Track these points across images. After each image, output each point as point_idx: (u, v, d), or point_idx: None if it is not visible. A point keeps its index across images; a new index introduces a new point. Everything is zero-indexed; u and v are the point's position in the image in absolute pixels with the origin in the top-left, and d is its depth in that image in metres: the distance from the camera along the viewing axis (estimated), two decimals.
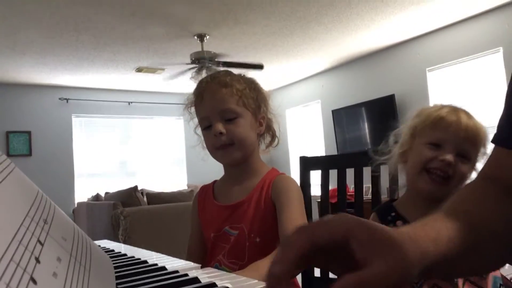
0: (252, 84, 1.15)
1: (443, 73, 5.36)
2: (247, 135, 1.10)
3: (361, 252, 0.38)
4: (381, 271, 0.36)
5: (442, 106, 1.07)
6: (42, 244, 0.23)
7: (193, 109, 1.17)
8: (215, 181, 1.25)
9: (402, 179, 1.12)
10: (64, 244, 0.26)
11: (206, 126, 1.12)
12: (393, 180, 1.14)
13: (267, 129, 1.18)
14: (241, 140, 1.09)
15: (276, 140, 1.20)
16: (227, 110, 1.08)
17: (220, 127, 1.07)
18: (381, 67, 6.13)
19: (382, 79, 6.09)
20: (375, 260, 0.37)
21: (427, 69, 5.53)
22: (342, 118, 6.66)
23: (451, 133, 1.00)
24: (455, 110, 1.04)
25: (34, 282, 0.20)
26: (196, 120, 1.18)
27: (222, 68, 5.16)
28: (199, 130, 1.19)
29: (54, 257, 0.24)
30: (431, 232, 0.46)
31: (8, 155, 6.34)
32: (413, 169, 1.04)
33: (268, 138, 1.19)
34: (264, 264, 0.85)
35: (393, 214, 1.04)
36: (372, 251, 0.38)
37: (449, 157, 0.98)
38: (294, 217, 1.03)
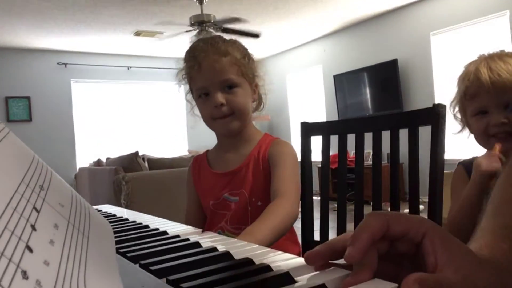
0: (247, 52, 1.14)
1: (447, 38, 5.26)
2: (245, 105, 1.10)
3: (434, 256, 0.38)
4: (451, 281, 0.36)
5: (467, 71, 1.05)
6: (38, 211, 0.23)
7: (182, 74, 1.14)
8: (207, 151, 1.24)
9: None
10: (62, 210, 0.26)
11: (203, 95, 1.09)
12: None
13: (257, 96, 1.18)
14: (240, 110, 1.08)
15: (262, 104, 1.20)
16: (227, 80, 1.07)
17: (220, 97, 1.06)
18: (384, 31, 6.01)
19: (385, 44, 5.99)
20: (448, 268, 0.37)
21: (431, 33, 5.41)
22: (343, 83, 6.59)
23: (483, 96, 0.99)
24: (476, 69, 1.01)
25: (30, 250, 0.19)
26: (187, 86, 1.16)
27: (220, 34, 5.06)
28: (190, 97, 1.17)
29: (51, 224, 0.23)
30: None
31: (8, 120, 6.33)
32: (478, 141, 1.06)
33: (254, 104, 1.17)
34: (257, 229, 0.86)
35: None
36: (446, 258, 0.38)
37: (497, 118, 0.98)
38: (286, 175, 1.04)
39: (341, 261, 0.45)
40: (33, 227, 0.21)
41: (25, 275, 0.17)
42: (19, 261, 0.18)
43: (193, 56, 1.09)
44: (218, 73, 1.06)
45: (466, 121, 1.09)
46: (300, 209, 1.22)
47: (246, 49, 1.15)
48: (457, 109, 1.11)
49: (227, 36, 1.17)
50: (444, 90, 5.13)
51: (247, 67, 1.10)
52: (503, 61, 1.00)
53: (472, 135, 1.12)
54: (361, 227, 0.40)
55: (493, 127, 0.99)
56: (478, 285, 0.38)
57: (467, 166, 1.11)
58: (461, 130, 1.14)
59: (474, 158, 1.11)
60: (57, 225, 0.24)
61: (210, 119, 1.11)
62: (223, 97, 1.06)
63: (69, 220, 0.26)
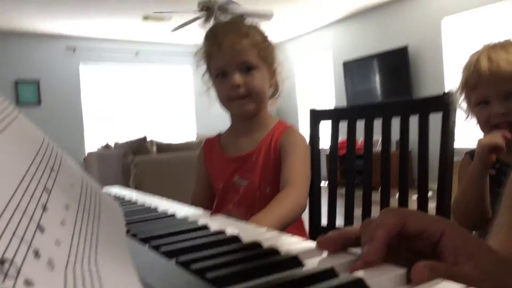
0: (266, 36, 1.14)
1: (459, 23, 5.16)
2: (262, 87, 1.09)
3: (453, 254, 0.38)
4: (467, 274, 0.36)
5: (469, 61, 1.04)
6: (49, 192, 0.23)
7: (201, 53, 1.14)
8: (219, 134, 1.24)
9: None
10: (72, 191, 0.26)
11: (221, 75, 1.09)
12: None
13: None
14: (257, 92, 1.08)
15: (278, 93, 1.19)
16: (246, 62, 1.06)
17: (238, 78, 1.06)
18: (395, 17, 5.92)
19: (396, 30, 5.90)
20: (467, 264, 0.37)
21: (442, 18, 5.32)
22: (353, 70, 6.53)
23: (484, 87, 0.98)
24: (477, 60, 1.00)
25: (42, 230, 0.19)
26: (203, 67, 1.15)
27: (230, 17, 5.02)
28: (206, 77, 1.17)
29: (62, 205, 0.23)
30: None
31: (18, 104, 6.38)
32: (482, 130, 1.05)
33: (271, 90, 1.17)
34: (264, 217, 0.87)
35: None
36: (465, 255, 0.38)
37: (498, 109, 0.97)
38: (296, 165, 1.04)
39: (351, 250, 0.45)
40: (44, 208, 0.21)
41: (37, 254, 0.17)
42: (31, 240, 0.18)
43: (213, 35, 1.09)
44: (237, 53, 1.05)
45: (471, 110, 1.08)
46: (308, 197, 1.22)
47: (265, 34, 1.14)
48: (462, 98, 1.09)
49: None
50: (455, 78, 5.06)
51: (266, 51, 1.10)
52: (506, 50, 0.98)
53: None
54: (378, 224, 0.40)
55: (494, 117, 0.99)
56: (499, 282, 0.38)
57: (473, 154, 1.10)
58: (466, 119, 1.13)
59: None
60: (68, 206, 0.24)
61: (226, 100, 1.10)
62: (240, 78, 1.06)
63: (79, 201, 0.26)
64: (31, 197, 0.21)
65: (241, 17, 1.14)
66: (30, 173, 0.22)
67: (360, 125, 1.28)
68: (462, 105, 1.10)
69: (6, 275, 0.15)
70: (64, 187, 0.26)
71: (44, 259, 0.17)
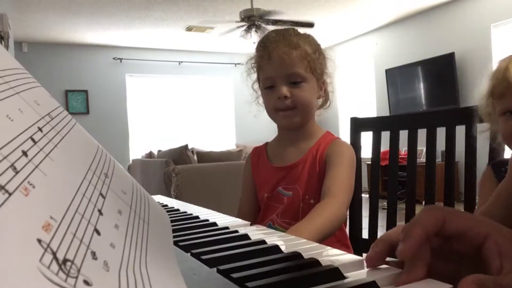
0: (319, 48, 1.13)
1: (509, 30, 4.94)
2: (310, 101, 1.09)
3: (499, 259, 0.36)
4: None
5: (497, 69, 0.99)
6: (104, 197, 0.24)
7: (252, 62, 1.15)
8: (267, 143, 1.25)
9: None
10: (124, 197, 0.27)
11: (269, 86, 1.10)
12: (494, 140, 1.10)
13: (324, 93, 1.16)
14: (304, 105, 1.08)
15: (329, 102, 1.19)
16: (294, 74, 1.06)
17: (285, 90, 1.06)
18: (441, 23, 5.75)
19: (442, 37, 5.73)
20: None
21: (492, 24, 5.12)
22: (396, 77, 6.39)
23: (509, 98, 0.93)
24: (506, 68, 0.96)
25: (98, 233, 0.20)
26: (253, 76, 1.17)
27: (271, 27, 5.08)
28: (256, 86, 1.18)
29: (116, 210, 0.25)
30: None
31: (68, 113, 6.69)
32: (506, 141, 1.00)
33: (321, 100, 1.17)
34: (304, 227, 0.86)
35: (503, 169, 1.01)
36: (508, 257, 0.36)
37: None
38: (339, 176, 1.02)
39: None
40: (100, 212, 0.22)
41: (94, 255, 0.18)
42: (89, 243, 0.19)
43: (264, 46, 1.10)
44: (286, 65, 1.06)
45: (493, 119, 1.02)
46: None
47: (318, 45, 1.14)
48: (487, 105, 1.04)
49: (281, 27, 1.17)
50: None
51: (316, 62, 1.09)
52: None
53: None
54: (415, 222, 0.39)
55: None
56: None
57: (497, 167, 1.03)
58: (489, 129, 1.07)
59: (503, 159, 1.04)
60: (120, 211, 0.25)
61: (273, 111, 1.11)
62: (288, 90, 1.06)
63: (131, 206, 0.28)
64: (89, 201, 0.22)
65: (293, 28, 1.14)
66: (87, 178, 0.24)
67: (403, 134, 1.25)
68: (486, 113, 1.05)
69: (68, 275, 0.16)
70: (117, 192, 0.27)
71: (100, 260, 0.19)
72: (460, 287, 0.34)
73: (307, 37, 1.13)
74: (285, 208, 1.09)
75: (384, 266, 0.44)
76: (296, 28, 1.15)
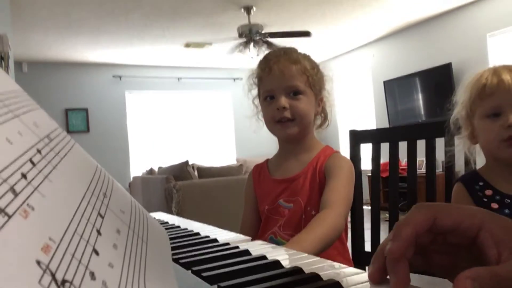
0: (317, 66, 1.18)
1: (506, 39, 4.98)
2: (308, 113, 1.13)
3: (496, 248, 0.36)
4: None
5: (481, 74, 1.01)
6: (102, 217, 0.24)
7: (255, 79, 1.19)
8: (267, 159, 1.27)
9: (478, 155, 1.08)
10: (123, 216, 0.28)
11: (268, 97, 1.14)
12: (469, 152, 1.10)
13: (321, 111, 1.20)
14: (302, 116, 1.12)
15: (327, 122, 1.23)
16: (294, 86, 1.11)
17: (284, 101, 1.10)
18: (437, 34, 5.80)
19: (438, 47, 5.77)
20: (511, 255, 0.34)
21: (487, 34, 5.16)
22: (394, 89, 6.42)
23: (500, 96, 0.94)
24: (494, 71, 0.98)
25: (97, 253, 0.21)
26: (254, 92, 1.20)
27: (269, 39, 5.12)
28: (257, 101, 1.22)
29: (114, 229, 0.25)
30: None
31: (68, 131, 6.71)
32: (488, 145, 1.00)
33: (319, 120, 1.20)
34: (303, 239, 0.86)
35: (480, 183, 1.01)
36: (508, 245, 0.35)
37: (511, 119, 0.93)
38: (337, 187, 1.04)
39: None
40: (99, 232, 0.22)
41: (93, 276, 0.19)
42: (88, 263, 0.19)
43: (266, 61, 1.15)
44: (286, 78, 1.10)
45: (472, 126, 1.02)
46: (350, 219, 1.20)
47: (317, 64, 1.19)
48: (463, 113, 1.05)
49: (279, 41, 1.22)
50: None
51: (315, 78, 1.14)
52: None
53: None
54: (405, 221, 0.39)
55: (506, 129, 0.93)
56: None
57: (468, 182, 1.02)
58: (462, 137, 1.07)
59: (474, 172, 1.03)
60: (119, 230, 0.25)
61: (272, 122, 1.14)
62: (286, 102, 1.10)
63: (129, 226, 0.28)
64: (87, 221, 0.22)
65: (294, 48, 1.19)
66: (86, 198, 0.24)
67: (403, 145, 1.26)
68: (463, 117, 1.05)
69: None
70: (116, 212, 0.27)
71: (99, 281, 0.19)
72: (456, 283, 0.34)
73: (307, 55, 1.18)
74: (287, 220, 1.10)
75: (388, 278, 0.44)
76: (295, 47, 1.20)
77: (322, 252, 0.88)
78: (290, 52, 1.14)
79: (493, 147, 0.98)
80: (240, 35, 5.11)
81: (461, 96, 1.05)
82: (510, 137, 0.94)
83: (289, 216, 1.11)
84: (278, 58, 1.12)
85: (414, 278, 0.39)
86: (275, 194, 1.15)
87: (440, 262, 0.40)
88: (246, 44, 5.21)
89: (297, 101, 1.10)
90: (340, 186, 1.05)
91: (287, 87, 1.10)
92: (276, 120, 1.12)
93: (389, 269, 0.39)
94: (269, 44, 5.09)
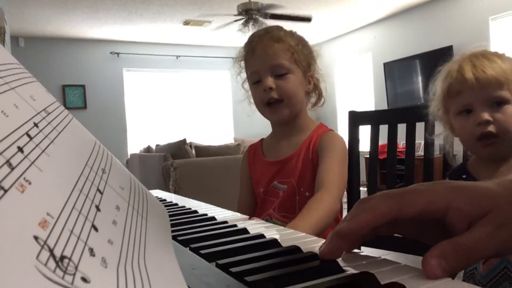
0: (303, 41, 1.15)
1: (508, 22, 4.93)
2: (296, 92, 1.10)
3: (464, 222, 0.35)
4: (481, 237, 0.34)
5: (449, 69, 0.99)
6: (101, 193, 0.24)
7: (242, 63, 1.17)
8: (262, 139, 1.26)
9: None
10: (122, 192, 0.27)
11: (255, 80, 1.12)
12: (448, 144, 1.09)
13: (314, 88, 1.18)
14: (290, 96, 1.09)
15: (322, 99, 1.20)
16: (279, 65, 1.08)
17: (270, 82, 1.08)
18: (439, 16, 5.73)
19: (440, 29, 5.71)
20: (476, 226, 0.34)
21: (490, 17, 5.10)
22: (394, 71, 6.38)
23: (467, 95, 0.92)
24: (459, 67, 0.95)
25: (96, 229, 0.20)
26: (244, 75, 1.18)
27: (269, 21, 5.06)
28: (246, 85, 1.20)
29: (113, 206, 0.25)
30: None
31: (65, 108, 6.66)
32: (465, 142, 0.99)
33: (314, 98, 1.18)
34: (299, 224, 0.87)
35: (464, 176, 1.00)
36: (477, 214, 0.35)
37: (481, 116, 0.90)
38: (332, 168, 1.04)
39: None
40: (98, 208, 0.22)
41: (92, 252, 0.18)
42: (87, 239, 0.19)
43: (249, 42, 1.13)
44: (270, 57, 1.08)
45: (449, 122, 1.01)
46: (346, 200, 1.21)
47: (303, 39, 1.16)
48: (439, 108, 1.03)
49: (278, 23, 1.20)
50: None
51: (300, 54, 1.11)
52: (487, 58, 0.93)
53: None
54: (368, 206, 0.38)
55: (478, 126, 0.91)
56: None
57: (454, 176, 1.01)
58: (442, 133, 1.07)
59: (462, 165, 1.03)
60: (118, 207, 0.25)
61: (262, 105, 1.12)
62: (273, 82, 1.08)
63: (129, 202, 0.28)
64: (86, 197, 0.22)
65: (277, 26, 1.16)
66: (84, 174, 0.24)
67: (402, 127, 1.25)
68: (439, 116, 1.04)
69: (65, 272, 0.16)
70: (115, 188, 0.27)
71: (98, 257, 0.18)
72: (423, 265, 0.34)
73: (291, 31, 1.15)
74: (281, 202, 1.10)
75: (381, 258, 0.44)
76: (281, 26, 1.18)
77: (318, 236, 0.89)
78: (272, 31, 1.11)
79: (469, 145, 0.97)
80: (240, 13, 5.04)
81: (436, 90, 1.03)
82: (482, 135, 0.91)
83: (283, 197, 1.11)
84: (261, 38, 1.10)
85: (400, 258, 0.40)
86: (270, 176, 1.14)
87: (409, 234, 0.40)
88: (246, 23, 5.14)
89: (283, 81, 1.08)
90: (334, 165, 1.04)
91: (271, 67, 1.08)
92: (265, 103, 1.10)
93: (328, 238, 0.39)
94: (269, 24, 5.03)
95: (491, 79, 0.90)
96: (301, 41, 1.13)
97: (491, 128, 0.90)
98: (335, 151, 1.07)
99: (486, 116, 0.90)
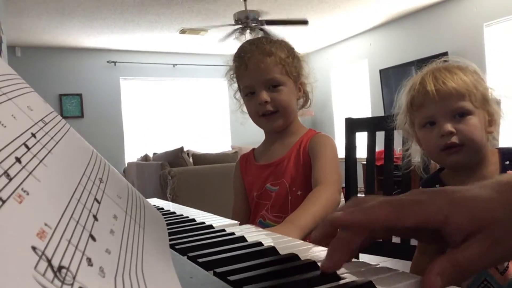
0: (292, 52, 1.18)
1: (502, 29, 4.98)
2: (289, 102, 1.14)
3: (459, 233, 0.35)
4: (478, 253, 0.34)
5: (412, 83, 0.99)
6: (99, 202, 0.24)
7: (232, 72, 1.20)
8: (253, 149, 1.29)
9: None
10: (119, 202, 0.27)
11: (249, 92, 1.15)
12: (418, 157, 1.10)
13: (303, 93, 1.20)
14: (284, 107, 1.13)
15: (309, 102, 1.24)
16: (272, 79, 1.11)
17: (265, 96, 1.11)
18: (434, 23, 5.78)
19: (435, 36, 5.76)
20: (473, 241, 0.34)
21: (484, 24, 5.15)
22: (390, 78, 6.41)
23: (429, 107, 0.93)
24: (421, 80, 0.96)
25: (93, 239, 0.20)
26: (235, 85, 1.21)
27: (266, 26, 5.08)
28: (238, 95, 1.23)
29: (111, 215, 0.25)
30: None
31: (62, 117, 6.64)
32: (430, 154, 0.99)
33: (301, 100, 1.21)
34: (299, 216, 0.89)
35: (437, 185, 1.00)
36: (473, 228, 0.35)
37: (444, 128, 0.91)
38: (326, 165, 1.06)
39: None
40: (95, 217, 0.22)
41: (89, 262, 0.18)
42: (84, 249, 0.19)
43: (240, 57, 1.15)
44: (263, 72, 1.11)
45: (415, 135, 1.02)
46: (343, 199, 1.22)
47: (292, 49, 1.19)
48: (405, 120, 1.04)
49: (275, 28, 1.22)
50: (498, 85, 4.87)
51: (291, 66, 1.14)
52: (449, 71, 0.94)
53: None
54: (364, 208, 0.38)
55: (442, 137, 0.91)
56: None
57: (427, 185, 1.01)
58: (408, 144, 1.07)
59: (436, 174, 1.02)
60: (116, 216, 0.25)
61: (256, 116, 1.16)
62: (267, 95, 1.11)
63: (126, 211, 0.28)
64: (84, 207, 0.22)
65: (265, 38, 1.19)
66: (82, 183, 0.24)
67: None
68: (405, 130, 1.05)
69: (63, 282, 0.16)
70: (112, 197, 0.27)
71: (96, 267, 0.18)
72: (425, 281, 0.34)
73: (280, 42, 1.18)
74: (274, 202, 1.13)
75: (379, 266, 0.44)
76: (269, 37, 1.20)
77: None
78: (262, 44, 1.14)
79: (434, 156, 0.98)
80: (237, 22, 5.06)
81: (402, 103, 1.04)
82: (447, 145, 0.91)
83: (275, 198, 1.13)
84: (251, 53, 1.12)
85: (398, 264, 0.40)
86: (262, 179, 1.17)
87: (405, 236, 0.41)
88: (242, 31, 5.17)
89: (278, 93, 1.11)
90: (327, 163, 1.07)
91: (265, 81, 1.11)
92: (260, 115, 1.14)
93: (328, 252, 0.40)
94: (266, 32, 5.05)
95: (452, 91, 0.90)
96: (290, 52, 1.16)
97: (454, 139, 0.91)
98: (327, 151, 1.10)
99: (449, 127, 0.90)
